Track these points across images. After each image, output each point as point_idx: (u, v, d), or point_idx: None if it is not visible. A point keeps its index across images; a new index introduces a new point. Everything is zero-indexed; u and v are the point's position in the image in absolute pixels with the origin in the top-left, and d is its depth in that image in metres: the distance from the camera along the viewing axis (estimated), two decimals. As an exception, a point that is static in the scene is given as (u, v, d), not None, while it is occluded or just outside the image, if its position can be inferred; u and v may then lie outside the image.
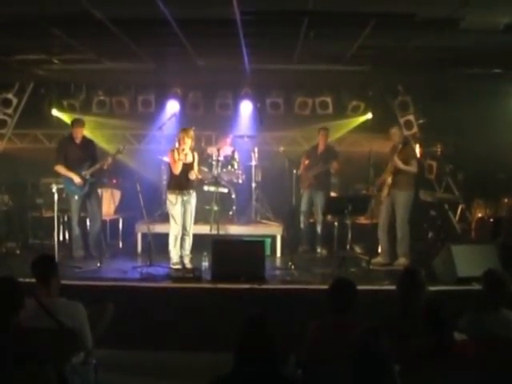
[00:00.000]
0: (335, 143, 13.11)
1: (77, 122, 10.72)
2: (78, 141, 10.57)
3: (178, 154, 9.72)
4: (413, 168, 10.23)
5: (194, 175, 9.81)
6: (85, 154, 10.55)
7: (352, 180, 12.61)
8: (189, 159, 9.86)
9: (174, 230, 9.90)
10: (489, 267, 6.10)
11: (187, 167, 9.81)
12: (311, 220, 11.74)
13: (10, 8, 7.27)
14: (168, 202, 9.94)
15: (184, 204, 9.90)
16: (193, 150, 9.96)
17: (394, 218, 10.38)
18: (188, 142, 9.77)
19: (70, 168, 10.39)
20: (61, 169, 10.40)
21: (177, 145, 9.88)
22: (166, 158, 11.88)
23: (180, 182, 9.82)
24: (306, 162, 11.51)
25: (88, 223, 10.92)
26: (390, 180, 10.23)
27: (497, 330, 5.20)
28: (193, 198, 9.99)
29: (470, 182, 12.24)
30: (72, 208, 10.55)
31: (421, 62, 10.33)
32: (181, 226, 9.92)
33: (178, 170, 9.72)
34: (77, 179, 10.32)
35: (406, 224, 10.27)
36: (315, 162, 11.46)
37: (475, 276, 6.01)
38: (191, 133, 9.86)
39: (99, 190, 11.00)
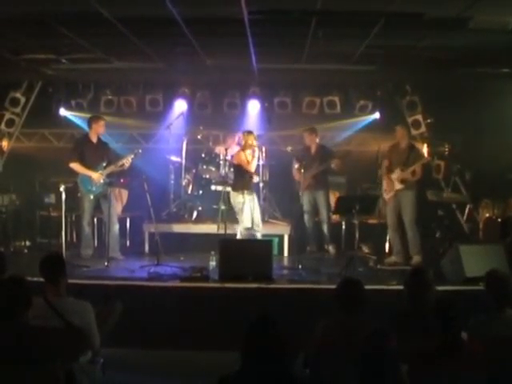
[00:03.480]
0: (343, 143, 13.13)
1: (97, 118, 10.71)
2: (94, 140, 10.56)
3: (246, 155, 10.49)
4: (417, 176, 10.27)
5: (257, 178, 10.70)
6: (101, 154, 10.51)
7: (360, 179, 12.60)
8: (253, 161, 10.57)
9: (243, 229, 10.50)
10: (492, 268, 6.10)
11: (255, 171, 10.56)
12: (316, 219, 11.72)
13: (19, 7, 7.29)
14: (235, 202, 10.53)
15: (250, 203, 10.45)
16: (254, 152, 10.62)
17: (401, 218, 10.38)
18: (254, 144, 10.53)
19: (87, 167, 10.38)
20: (77, 166, 10.36)
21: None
22: (174, 158, 11.95)
23: (246, 182, 10.50)
24: (297, 165, 11.32)
25: (106, 225, 10.60)
26: (398, 185, 10.23)
27: (502, 329, 5.21)
28: (255, 197, 10.68)
29: (477, 181, 12.21)
30: (85, 207, 10.49)
31: (429, 62, 10.31)
32: (250, 224, 10.49)
33: (253, 168, 10.63)
34: (95, 176, 10.30)
35: (415, 223, 10.27)
36: (310, 162, 11.32)
37: (483, 276, 5.99)
38: (254, 135, 10.63)
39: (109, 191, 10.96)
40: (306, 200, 11.48)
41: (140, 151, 10.68)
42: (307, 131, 11.62)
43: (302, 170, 10.69)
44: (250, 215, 10.47)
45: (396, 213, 10.42)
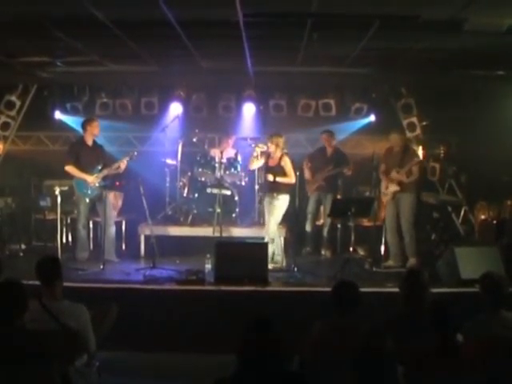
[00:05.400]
0: (339, 145, 13.13)
1: (91, 120, 10.70)
2: (89, 143, 10.54)
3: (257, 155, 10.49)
4: (414, 176, 10.26)
5: (270, 177, 10.22)
6: (96, 156, 10.51)
7: (355, 182, 12.60)
8: (273, 163, 10.32)
9: None
10: (488, 270, 6.11)
11: (271, 170, 10.28)
12: (317, 222, 11.74)
13: (14, 10, 7.28)
14: None
15: (268, 206, 10.32)
16: (281, 154, 10.31)
17: (399, 221, 10.38)
18: (272, 147, 10.27)
19: (82, 170, 10.37)
20: (72, 170, 10.34)
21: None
22: (170, 161, 11.94)
23: (266, 185, 10.44)
24: (309, 164, 11.49)
25: (102, 227, 10.58)
26: (394, 187, 10.22)
27: (497, 331, 5.22)
28: (276, 201, 10.25)
29: (473, 183, 12.24)
30: (80, 210, 10.50)
31: (424, 64, 10.32)
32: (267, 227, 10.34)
33: (250, 166, 10.83)
34: (90, 179, 10.29)
35: (413, 226, 10.28)
36: (323, 164, 11.46)
37: (478, 278, 6.01)
38: (275, 139, 10.27)
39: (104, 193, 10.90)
40: (312, 201, 11.56)
41: (136, 153, 10.68)
42: (325, 133, 11.72)
43: (309, 171, 10.76)
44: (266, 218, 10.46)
45: (394, 215, 10.42)
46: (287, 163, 10.24)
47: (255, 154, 10.49)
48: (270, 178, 10.17)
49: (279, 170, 10.21)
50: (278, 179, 10.14)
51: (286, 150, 10.44)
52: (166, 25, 7.67)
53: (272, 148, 10.26)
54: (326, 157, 11.64)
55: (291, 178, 10.19)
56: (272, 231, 10.20)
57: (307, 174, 11.35)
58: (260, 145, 10.66)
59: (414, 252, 10.28)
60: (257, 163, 10.61)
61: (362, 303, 5.29)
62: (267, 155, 10.42)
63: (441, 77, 11.48)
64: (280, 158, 10.26)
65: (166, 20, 7.44)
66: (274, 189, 10.25)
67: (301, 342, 5.11)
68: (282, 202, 10.22)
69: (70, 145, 11.23)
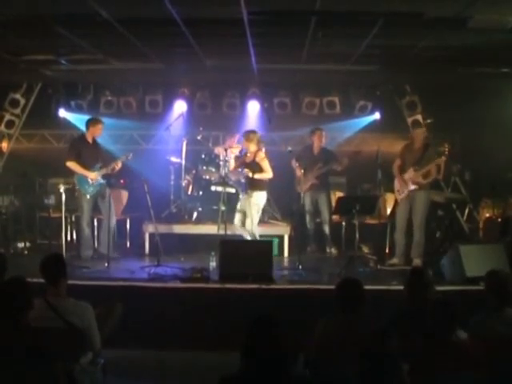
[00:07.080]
0: (343, 143, 13.12)
1: (95, 121, 10.70)
2: (90, 141, 10.55)
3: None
4: (432, 176, 10.21)
5: (248, 172, 10.44)
6: (96, 155, 10.53)
7: (360, 180, 12.58)
8: (248, 159, 10.57)
9: None
10: (493, 267, 6.10)
11: (247, 167, 10.50)
12: (317, 220, 11.72)
13: (18, 8, 7.29)
14: None
15: (244, 203, 10.57)
16: (255, 150, 10.52)
17: (410, 219, 10.31)
18: (246, 144, 10.61)
19: (83, 167, 10.37)
20: (74, 165, 10.35)
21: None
22: (174, 159, 11.94)
23: (244, 182, 10.71)
24: (297, 164, 11.32)
25: (103, 222, 10.74)
26: (413, 186, 10.13)
27: (502, 329, 5.22)
28: (251, 198, 10.45)
29: (477, 181, 12.21)
30: (83, 208, 10.49)
31: (429, 62, 10.31)
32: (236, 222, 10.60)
33: (231, 168, 11.20)
34: (92, 175, 10.31)
35: (425, 222, 10.22)
36: (312, 163, 11.34)
37: (483, 276, 6.01)
38: (249, 136, 10.57)
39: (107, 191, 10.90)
40: (307, 201, 11.48)
41: (131, 155, 10.72)
42: (319, 130, 11.63)
43: (302, 171, 10.69)
44: (238, 214, 10.63)
45: (407, 214, 10.28)
46: (262, 158, 10.42)
47: (232, 156, 10.83)
48: (249, 173, 10.37)
49: (255, 166, 10.38)
50: (256, 176, 10.35)
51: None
52: (170, 23, 7.68)
53: (246, 145, 10.54)
54: (314, 155, 11.55)
55: (268, 173, 10.45)
56: (250, 228, 10.42)
57: (298, 173, 11.19)
58: (234, 145, 10.89)
59: (420, 253, 10.13)
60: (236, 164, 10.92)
61: (366, 301, 5.29)
62: (244, 154, 10.76)
63: (445, 74, 11.47)
64: (255, 154, 10.42)
65: (171, 18, 7.44)
66: (249, 186, 10.49)
67: (305, 340, 5.11)
68: (256, 199, 10.40)
69: (72, 141, 11.24)
